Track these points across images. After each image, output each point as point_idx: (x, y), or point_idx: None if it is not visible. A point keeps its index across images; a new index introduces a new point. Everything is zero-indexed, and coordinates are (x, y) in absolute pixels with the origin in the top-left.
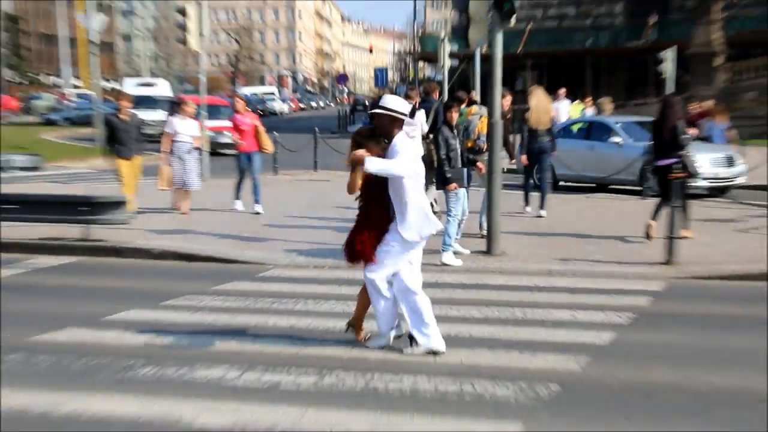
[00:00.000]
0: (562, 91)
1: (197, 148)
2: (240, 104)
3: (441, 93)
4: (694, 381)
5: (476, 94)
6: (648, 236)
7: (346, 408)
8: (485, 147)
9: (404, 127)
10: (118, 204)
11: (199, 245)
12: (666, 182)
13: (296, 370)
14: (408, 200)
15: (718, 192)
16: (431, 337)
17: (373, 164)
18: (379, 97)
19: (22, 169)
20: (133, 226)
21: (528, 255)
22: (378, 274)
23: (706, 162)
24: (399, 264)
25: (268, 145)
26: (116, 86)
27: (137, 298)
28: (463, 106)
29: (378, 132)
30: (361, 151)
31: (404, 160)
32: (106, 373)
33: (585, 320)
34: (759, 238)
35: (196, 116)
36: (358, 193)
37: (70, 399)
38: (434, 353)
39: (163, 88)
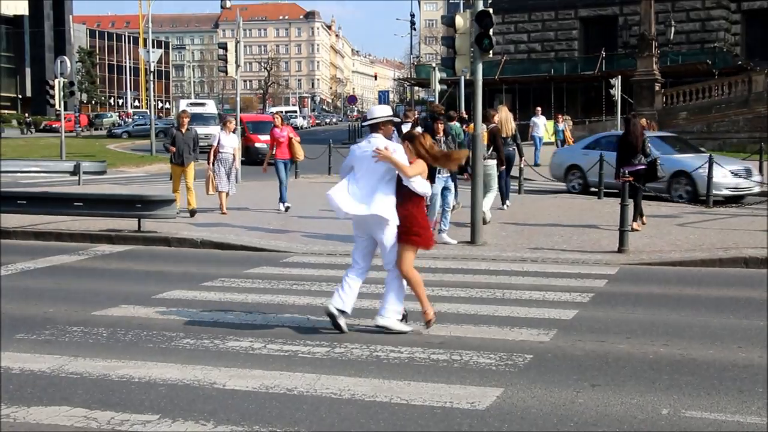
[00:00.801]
0: (539, 109)
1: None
2: (278, 119)
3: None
4: (643, 350)
5: (464, 112)
6: (633, 228)
7: (353, 374)
8: (486, 155)
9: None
10: (167, 202)
11: (233, 236)
12: (642, 182)
13: (311, 342)
14: None
15: (736, 199)
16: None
17: None
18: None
19: (93, 173)
20: (179, 221)
21: (505, 244)
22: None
23: (728, 173)
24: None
25: (299, 154)
26: (167, 106)
27: (181, 280)
28: (455, 122)
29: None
30: None
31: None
32: (153, 343)
33: (553, 299)
34: (694, 231)
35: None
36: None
37: (122, 364)
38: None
39: (211, 108)
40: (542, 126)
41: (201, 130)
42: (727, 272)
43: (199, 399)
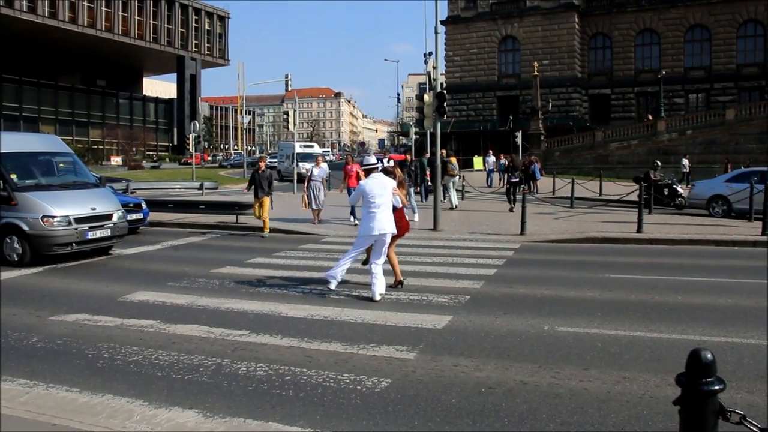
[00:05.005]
0: (491, 150)
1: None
2: (349, 158)
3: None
4: (534, 292)
5: (428, 153)
6: (511, 210)
7: (363, 308)
8: (456, 173)
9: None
10: (252, 206)
11: (292, 227)
12: (515, 188)
13: (338, 289)
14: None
15: None
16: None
17: None
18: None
19: (210, 189)
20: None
21: (454, 230)
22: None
23: None
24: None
25: None
26: (253, 149)
27: (260, 252)
28: (425, 156)
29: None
30: None
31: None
32: (245, 288)
33: (481, 263)
34: (564, 222)
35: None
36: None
37: (227, 301)
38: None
39: (317, 149)
40: (492, 161)
41: (308, 165)
42: (582, 246)
43: (272, 322)
